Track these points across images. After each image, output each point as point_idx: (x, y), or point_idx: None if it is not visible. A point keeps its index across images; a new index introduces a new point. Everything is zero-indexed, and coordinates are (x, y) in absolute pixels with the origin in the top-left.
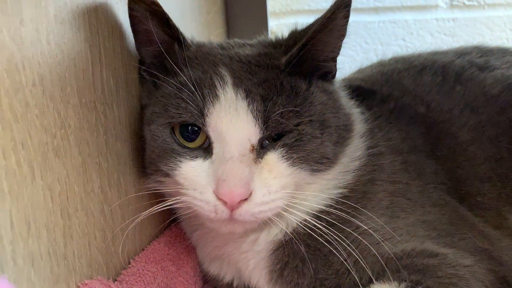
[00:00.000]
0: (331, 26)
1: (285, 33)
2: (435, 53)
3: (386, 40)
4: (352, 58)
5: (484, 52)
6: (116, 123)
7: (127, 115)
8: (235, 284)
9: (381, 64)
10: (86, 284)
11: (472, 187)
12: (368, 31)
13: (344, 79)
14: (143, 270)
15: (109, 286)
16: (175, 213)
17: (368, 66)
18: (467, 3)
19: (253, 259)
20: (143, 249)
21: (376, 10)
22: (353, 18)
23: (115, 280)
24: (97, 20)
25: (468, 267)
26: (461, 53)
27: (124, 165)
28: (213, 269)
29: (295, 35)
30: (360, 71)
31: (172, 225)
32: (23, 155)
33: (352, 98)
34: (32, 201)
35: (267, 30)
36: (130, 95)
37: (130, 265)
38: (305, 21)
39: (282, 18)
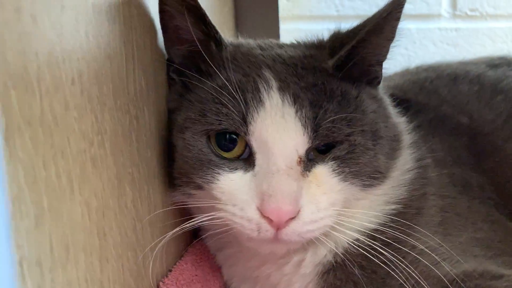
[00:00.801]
0: (384, 28)
1: (325, 35)
2: (464, 63)
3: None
4: None
5: (510, 62)
6: (146, 129)
7: (156, 120)
8: None
9: (409, 73)
10: None
11: None
12: None
13: None
14: None
15: None
16: (199, 229)
17: (395, 74)
18: (469, 13)
19: (298, 283)
20: (170, 270)
21: None
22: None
23: None
24: (130, 13)
25: None
26: (492, 64)
27: (154, 176)
28: None
29: (341, 37)
30: (386, 79)
31: (195, 242)
32: (62, 165)
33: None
34: (70, 219)
35: (279, 33)
36: (159, 97)
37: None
38: (306, 27)
39: (284, 23)
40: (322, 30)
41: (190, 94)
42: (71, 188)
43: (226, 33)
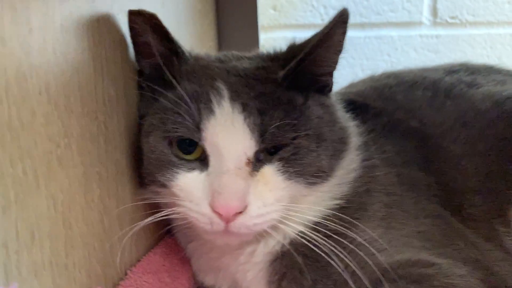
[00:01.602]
0: (329, 42)
1: (283, 47)
2: (425, 70)
3: (372, 55)
4: (339, 72)
5: (471, 70)
6: (115, 133)
7: (126, 126)
8: None
9: (372, 80)
10: None
11: (464, 200)
12: (354, 46)
13: (336, 93)
14: (140, 281)
15: None
16: (170, 224)
17: (360, 81)
18: (449, 21)
19: (251, 271)
20: (139, 260)
21: (362, 26)
22: None
23: None
24: (99, 30)
25: (462, 276)
26: (450, 70)
27: (122, 175)
28: (208, 280)
29: (294, 49)
30: (351, 85)
31: (167, 237)
32: (29, 163)
33: (347, 112)
34: (36, 210)
35: (258, 44)
36: (130, 106)
37: (127, 276)
38: (293, 35)
39: (271, 32)
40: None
41: (156, 103)
42: (37, 184)
43: (207, 44)
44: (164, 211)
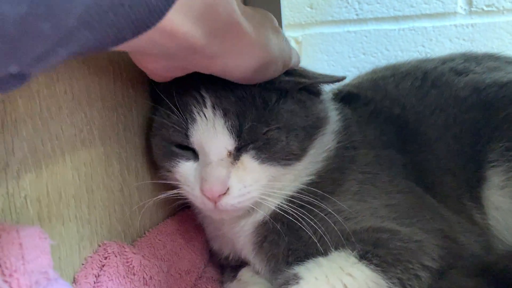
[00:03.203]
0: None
1: None
2: (424, 61)
3: (406, 46)
4: (374, 64)
5: (468, 58)
6: (134, 122)
7: (144, 116)
8: (230, 257)
9: (373, 72)
10: (105, 244)
11: (435, 178)
12: (388, 39)
13: (340, 86)
14: (154, 239)
15: (123, 247)
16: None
17: (364, 73)
18: (486, 8)
19: (242, 237)
20: (158, 225)
21: (396, 18)
22: (374, 26)
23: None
24: None
25: (417, 241)
26: (446, 59)
27: (141, 156)
28: (214, 245)
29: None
30: (356, 78)
31: (185, 208)
32: (57, 143)
33: (339, 102)
34: (63, 178)
35: None
36: (147, 102)
37: (144, 235)
38: (328, 31)
39: (308, 29)
40: (343, 33)
41: (159, 110)
42: (63, 158)
43: None
44: (174, 190)
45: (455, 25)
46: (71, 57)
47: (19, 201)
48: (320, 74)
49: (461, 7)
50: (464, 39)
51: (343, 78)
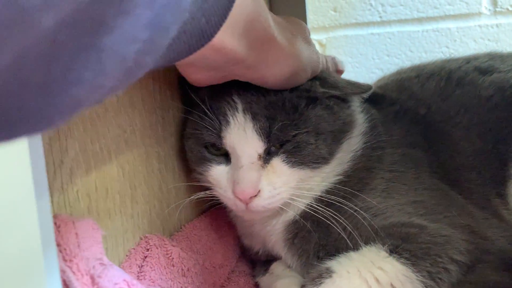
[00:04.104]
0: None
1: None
2: (448, 60)
3: (430, 48)
4: (398, 66)
5: (493, 57)
6: (171, 123)
7: (180, 118)
8: (260, 252)
9: (398, 73)
10: (146, 237)
11: (460, 176)
12: (412, 40)
13: None
14: (191, 233)
15: (163, 239)
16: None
17: (388, 74)
18: (510, 8)
19: (273, 235)
20: (192, 220)
21: (419, 20)
22: (397, 28)
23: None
24: None
25: (445, 236)
26: (470, 58)
27: (178, 156)
28: (245, 241)
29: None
30: (381, 79)
31: (218, 206)
32: (104, 142)
33: (365, 102)
34: (109, 174)
35: None
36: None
37: (181, 230)
38: (352, 33)
39: (332, 32)
40: (367, 35)
41: (190, 115)
42: (109, 157)
43: None
44: (207, 191)
45: (480, 26)
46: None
47: (72, 195)
48: (349, 83)
49: (486, 8)
50: (489, 40)
51: (370, 89)
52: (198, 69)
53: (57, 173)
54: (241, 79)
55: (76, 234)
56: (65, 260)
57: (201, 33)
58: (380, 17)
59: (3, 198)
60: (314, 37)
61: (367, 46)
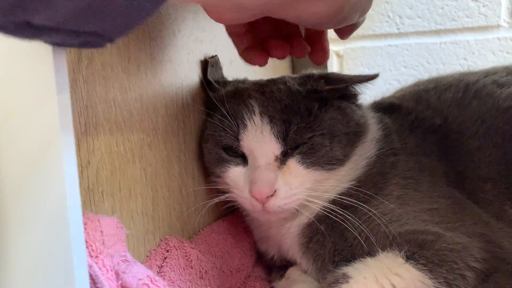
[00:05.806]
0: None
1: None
2: (466, 73)
3: (448, 60)
4: (415, 77)
5: (510, 71)
6: (192, 129)
7: (200, 124)
8: (275, 257)
9: (416, 84)
10: (166, 238)
11: (476, 186)
12: (430, 52)
13: (383, 97)
14: (209, 237)
15: (182, 242)
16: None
17: (407, 86)
18: None
19: (289, 239)
20: (210, 224)
21: (437, 32)
22: (415, 40)
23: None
24: None
25: (461, 243)
26: (489, 72)
27: (198, 160)
28: (262, 246)
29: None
30: (399, 90)
31: (235, 211)
32: (128, 145)
33: (378, 112)
34: (132, 176)
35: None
36: (202, 109)
37: (199, 233)
38: (370, 45)
39: (350, 43)
40: (385, 47)
41: (209, 118)
42: (133, 159)
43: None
44: (225, 195)
45: (498, 38)
46: None
47: (97, 195)
48: (353, 75)
49: (505, 20)
50: (507, 52)
51: (375, 76)
52: (228, 9)
53: (83, 173)
54: (274, 16)
55: (102, 232)
56: (91, 256)
57: None
58: (398, 28)
59: (40, 196)
60: (331, 48)
61: (385, 58)
